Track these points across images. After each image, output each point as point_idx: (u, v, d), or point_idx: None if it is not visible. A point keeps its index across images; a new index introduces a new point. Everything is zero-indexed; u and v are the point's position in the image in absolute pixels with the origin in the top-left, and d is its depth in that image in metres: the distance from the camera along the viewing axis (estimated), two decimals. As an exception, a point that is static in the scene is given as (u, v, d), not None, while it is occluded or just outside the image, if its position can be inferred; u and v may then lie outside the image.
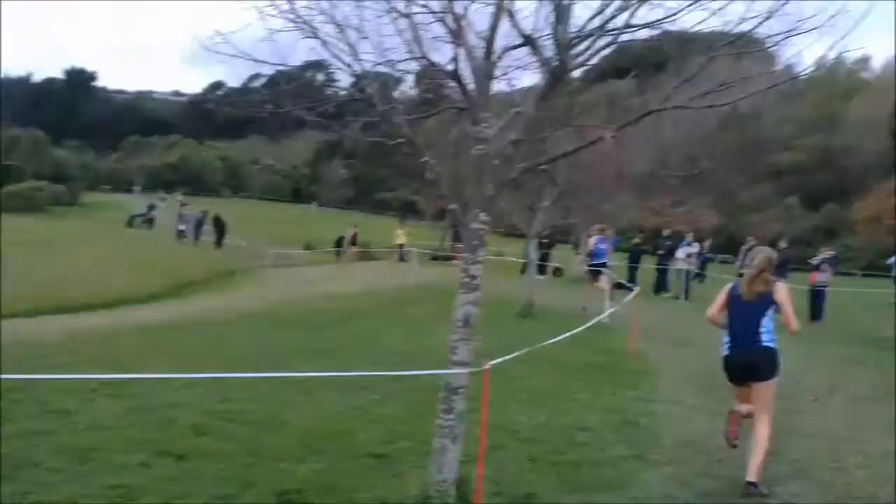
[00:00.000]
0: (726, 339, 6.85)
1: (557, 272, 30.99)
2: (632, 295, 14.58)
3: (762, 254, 6.81)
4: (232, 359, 11.31)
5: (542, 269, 27.02)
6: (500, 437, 7.35)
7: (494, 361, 6.07)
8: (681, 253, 24.67)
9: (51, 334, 13.10)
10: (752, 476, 6.26)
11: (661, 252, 25.70)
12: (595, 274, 19.06)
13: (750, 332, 6.61)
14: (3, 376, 7.10)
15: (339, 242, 41.20)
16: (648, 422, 8.35)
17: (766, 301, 6.63)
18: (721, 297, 7.00)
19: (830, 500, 6.24)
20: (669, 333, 15.43)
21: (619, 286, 21.92)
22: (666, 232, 28.06)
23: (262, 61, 5.92)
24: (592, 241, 19.97)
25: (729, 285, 7.08)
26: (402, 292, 22.76)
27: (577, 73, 5.62)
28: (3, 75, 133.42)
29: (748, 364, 6.67)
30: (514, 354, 8.08)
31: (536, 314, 17.46)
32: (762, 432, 6.50)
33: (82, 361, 10.51)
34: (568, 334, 10.42)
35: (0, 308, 15.75)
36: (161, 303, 22.03)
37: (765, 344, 6.59)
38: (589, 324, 12.50)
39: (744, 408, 6.85)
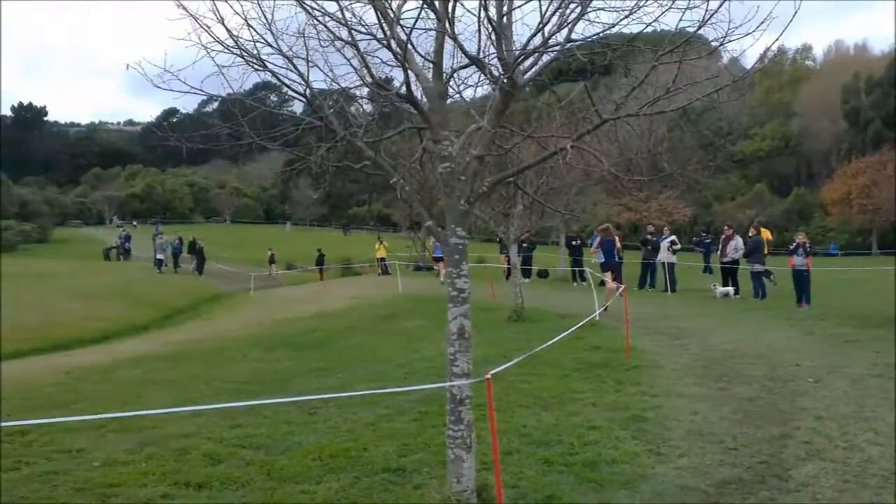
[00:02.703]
0: (602, 257, 19.78)
1: (542, 274, 31.17)
2: (619, 291, 14.73)
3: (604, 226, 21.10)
4: (232, 384, 11.29)
5: (526, 272, 27.23)
6: (512, 443, 7.44)
7: (495, 370, 6.15)
8: (664, 246, 24.95)
9: (47, 373, 13.01)
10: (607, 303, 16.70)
11: (648, 247, 25.91)
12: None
13: (613, 256, 19.68)
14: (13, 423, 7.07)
15: (320, 260, 41.16)
16: (655, 415, 8.41)
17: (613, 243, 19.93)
18: (597, 242, 20.25)
19: (848, 480, 6.28)
20: (661, 326, 15.61)
21: (603, 283, 22.17)
22: (650, 228, 28.35)
23: (216, 95, 6.05)
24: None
25: (597, 238, 20.58)
26: (390, 305, 22.81)
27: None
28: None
29: (611, 265, 19.36)
30: (514, 361, 8.18)
31: (526, 317, 17.58)
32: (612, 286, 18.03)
33: (84, 399, 10.48)
34: (562, 335, 10.57)
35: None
36: (151, 334, 21.96)
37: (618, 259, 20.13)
38: (580, 323, 12.67)
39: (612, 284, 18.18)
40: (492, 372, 5.79)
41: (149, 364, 13.86)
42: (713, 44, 5.26)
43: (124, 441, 7.88)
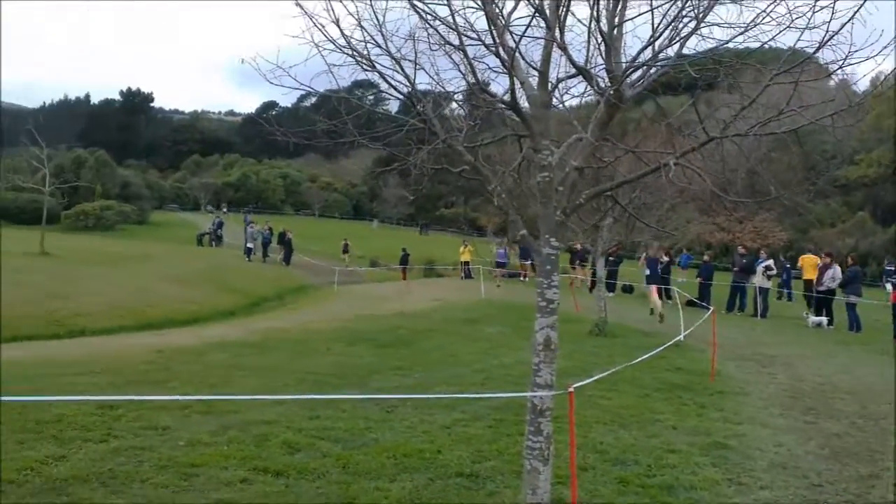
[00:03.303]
0: (647, 272, 22.51)
1: (627, 289, 30.70)
2: (708, 314, 14.38)
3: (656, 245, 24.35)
4: (314, 376, 11.48)
5: (610, 286, 26.89)
6: (588, 459, 7.35)
7: (578, 384, 6.07)
8: (759, 270, 24.27)
9: (140, 351, 13.49)
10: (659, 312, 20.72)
11: (737, 269, 25.27)
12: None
13: (656, 272, 22.64)
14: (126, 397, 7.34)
15: (404, 259, 41.43)
16: (738, 444, 8.18)
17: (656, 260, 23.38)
18: (642, 261, 24.07)
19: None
20: (749, 352, 15.18)
21: (691, 304, 21.71)
22: (741, 250, 27.63)
23: (324, 93, 6.31)
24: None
25: (643, 255, 24.08)
26: (472, 310, 22.86)
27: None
28: (63, 96, 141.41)
29: (657, 280, 22.44)
30: (598, 376, 8.08)
31: (608, 332, 17.35)
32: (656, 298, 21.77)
33: (174, 378, 10.83)
34: (648, 355, 10.39)
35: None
36: (238, 320, 22.56)
37: (661, 276, 24.58)
38: (667, 344, 12.42)
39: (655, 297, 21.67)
40: (575, 385, 5.72)
41: (235, 349, 14.21)
42: (832, 66, 5.09)
43: (208, 423, 8.10)
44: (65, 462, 6.57)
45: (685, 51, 5.20)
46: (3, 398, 5.47)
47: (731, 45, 5.24)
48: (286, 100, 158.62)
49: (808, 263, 25.52)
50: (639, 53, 5.21)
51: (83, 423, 7.79)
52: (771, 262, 25.26)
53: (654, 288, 22.05)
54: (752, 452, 7.92)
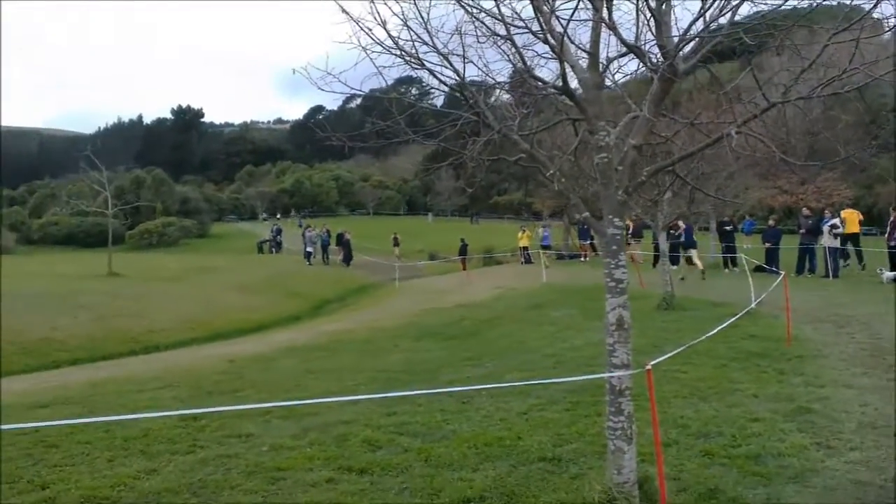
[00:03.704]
0: (682, 239, 25.15)
1: (691, 261, 30.24)
2: (779, 279, 14.07)
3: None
4: (385, 374, 11.59)
5: (674, 259, 26.54)
6: (670, 434, 7.27)
7: (655, 361, 6.01)
8: (825, 230, 23.67)
9: (213, 362, 13.79)
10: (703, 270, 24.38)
11: (803, 231, 24.70)
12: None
13: (691, 236, 25.33)
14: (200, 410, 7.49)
15: (463, 250, 41.45)
16: (822, 407, 8.02)
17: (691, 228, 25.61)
18: (680, 230, 24.92)
19: None
20: (824, 314, 14.83)
21: (759, 269, 21.28)
22: (805, 212, 26.95)
23: (377, 94, 6.35)
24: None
25: (683, 225, 24.85)
26: (536, 295, 22.79)
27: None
28: (117, 119, 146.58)
29: (692, 245, 25.19)
30: (674, 352, 7.98)
31: (676, 305, 17.12)
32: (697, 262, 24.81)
33: (249, 387, 11.05)
34: (723, 325, 10.22)
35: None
36: (304, 324, 22.88)
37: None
38: (739, 314, 12.22)
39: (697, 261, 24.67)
40: (652, 363, 5.67)
41: (304, 353, 14.42)
42: (890, 21, 4.96)
43: (289, 427, 8.24)
44: (156, 475, 6.74)
45: (736, 18, 5.11)
46: (92, 419, 5.63)
47: (784, 7, 5.15)
48: (333, 103, 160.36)
49: (850, 218, 25.13)
50: (690, 26, 5.12)
51: (169, 435, 7.98)
52: (837, 220, 24.57)
53: (694, 252, 25.23)
54: (837, 415, 7.75)
